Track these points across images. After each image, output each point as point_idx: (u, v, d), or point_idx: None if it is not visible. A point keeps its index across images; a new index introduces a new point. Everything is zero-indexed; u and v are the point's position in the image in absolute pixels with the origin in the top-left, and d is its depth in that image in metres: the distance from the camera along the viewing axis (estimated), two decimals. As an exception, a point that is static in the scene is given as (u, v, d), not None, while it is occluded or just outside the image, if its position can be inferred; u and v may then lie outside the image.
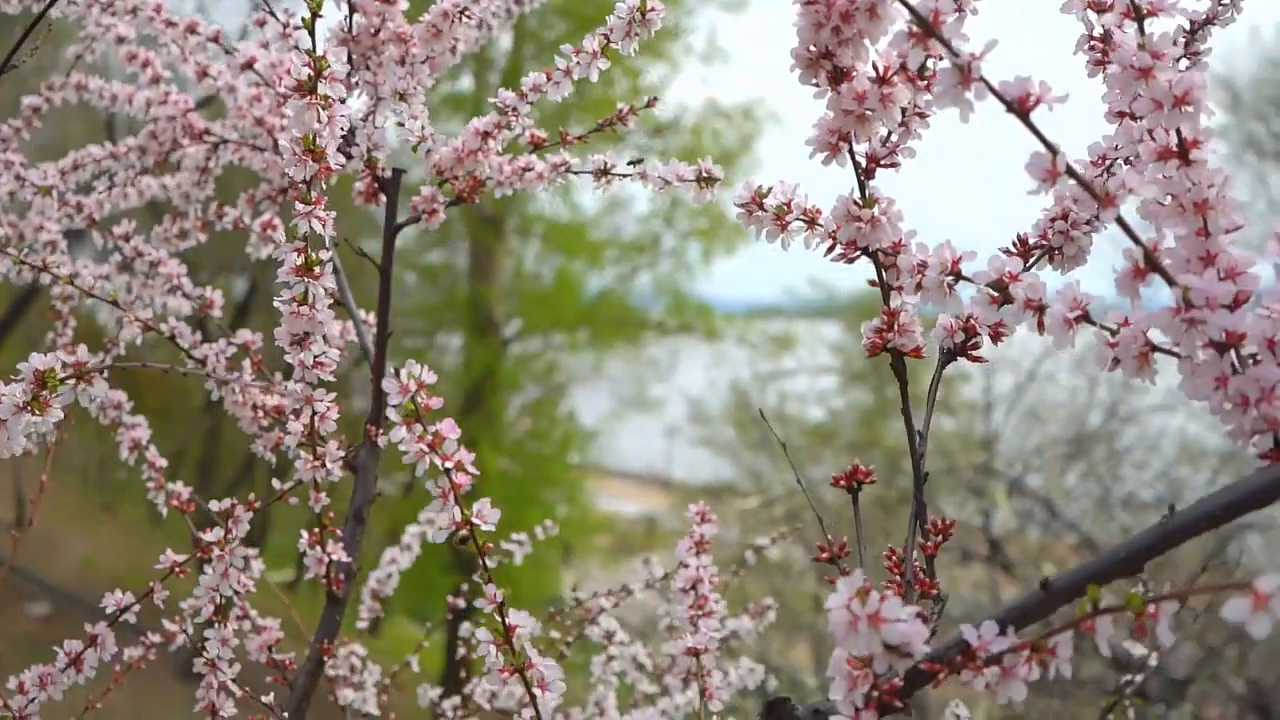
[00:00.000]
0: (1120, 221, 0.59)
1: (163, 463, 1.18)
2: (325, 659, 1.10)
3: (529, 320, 11.93)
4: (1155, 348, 0.62)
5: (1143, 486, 6.56)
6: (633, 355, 12.35)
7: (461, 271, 11.99)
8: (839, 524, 0.82)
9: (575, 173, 1.09)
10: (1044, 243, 0.79)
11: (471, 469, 0.71)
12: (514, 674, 0.73)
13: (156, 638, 1.24)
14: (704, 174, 0.97)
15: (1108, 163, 0.80)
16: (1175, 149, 0.62)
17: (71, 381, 0.74)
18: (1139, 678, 1.21)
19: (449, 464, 0.71)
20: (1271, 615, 0.46)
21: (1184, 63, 0.83)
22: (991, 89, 0.58)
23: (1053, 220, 0.79)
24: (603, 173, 1.06)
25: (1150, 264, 0.59)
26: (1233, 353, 0.61)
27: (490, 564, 0.75)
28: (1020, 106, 0.58)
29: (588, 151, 1.11)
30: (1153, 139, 0.63)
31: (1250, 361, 0.60)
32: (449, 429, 0.72)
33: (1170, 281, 0.58)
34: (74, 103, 1.38)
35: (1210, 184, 0.62)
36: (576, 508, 11.40)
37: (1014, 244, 0.80)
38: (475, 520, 0.72)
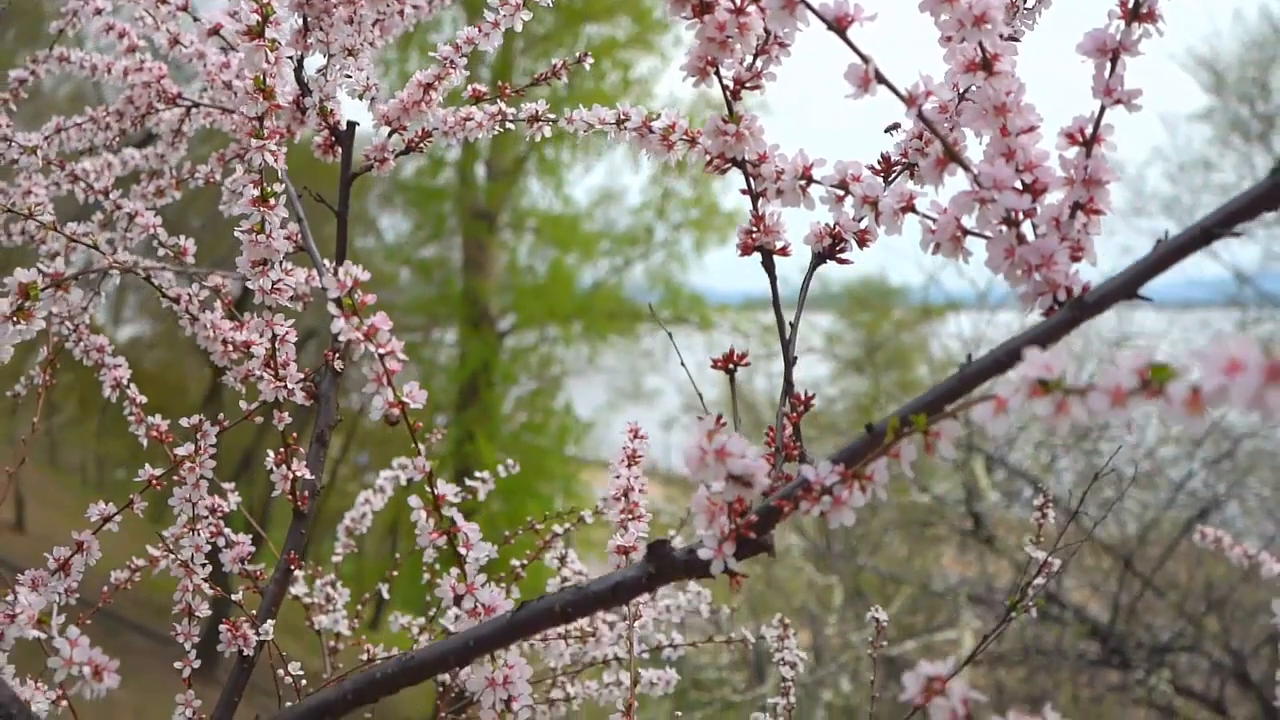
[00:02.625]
0: (923, 118, 0.70)
1: (143, 399, 1.28)
2: (292, 568, 1.21)
3: (523, 313, 12.03)
4: (967, 231, 0.73)
5: (1127, 463, 6.68)
6: (627, 347, 12.46)
7: (455, 266, 12.08)
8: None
9: (512, 120, 1.20)
10: (904, 160, 0.90)
11: (402, 356, 0.82)
12: (442, 535, 0.85)
13: (141, 561, 1.35)
14: (622, 117, 1.07)
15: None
16: (979, 62, 0.73)
17: (50, 291, 0.86)
18: (1041, 581, 1.32)
19: (383, 350, 0.82)
20: (1008, 417, 0.57)
21: (1030, 2, 0.94)
22: (812, 9, 0.69)
23: (911, 139, 0.90)
24: (535, 119, 1.17)
25: (949, 155, 0.70)
26: (1030, 230, 0.72)
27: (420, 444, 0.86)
28: (839, 24, 0.69)
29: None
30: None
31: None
32: (382, 321, 0.82)
33: (965, 168, 0.69)
34: (57, 74, 1.49)
35: (1009, 91, 0.73)
36: (573, 500, 11.49)
37: (878, 161, 0.91)
38: (406, 399, 0.83)
